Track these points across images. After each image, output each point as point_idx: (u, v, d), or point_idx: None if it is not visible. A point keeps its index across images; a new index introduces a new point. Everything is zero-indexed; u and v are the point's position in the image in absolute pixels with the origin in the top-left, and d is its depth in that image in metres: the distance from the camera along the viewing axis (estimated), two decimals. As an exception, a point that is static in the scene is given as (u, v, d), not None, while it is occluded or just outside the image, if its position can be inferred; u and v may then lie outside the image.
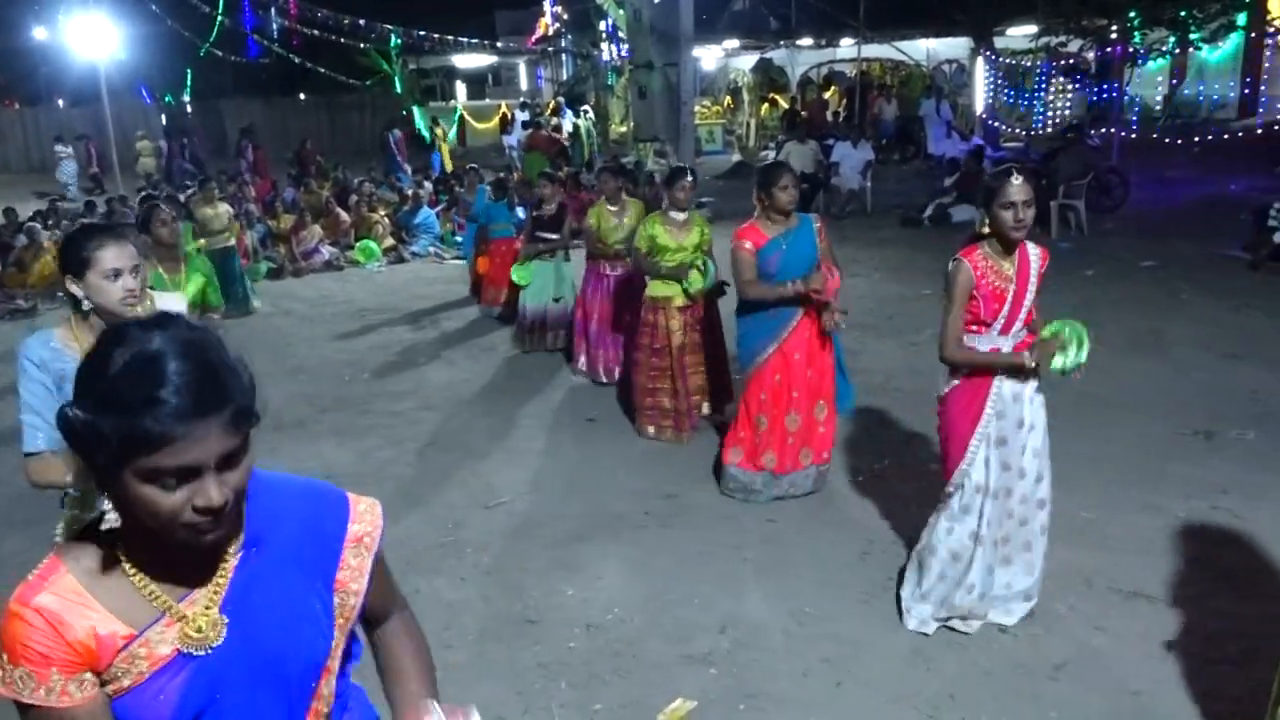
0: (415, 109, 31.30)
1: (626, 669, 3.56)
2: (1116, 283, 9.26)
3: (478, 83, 36.54)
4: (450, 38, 25.78)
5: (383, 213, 13.69)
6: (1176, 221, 12.22)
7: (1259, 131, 16.13)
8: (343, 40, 24.23)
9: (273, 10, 22.92)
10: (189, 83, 29.07)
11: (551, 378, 7.22)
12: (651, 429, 5.85)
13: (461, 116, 28.88)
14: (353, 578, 1.44)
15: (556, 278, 7.64)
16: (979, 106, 20.49)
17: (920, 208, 13.31)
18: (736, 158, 21.28)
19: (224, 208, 10.17)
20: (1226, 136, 16.39)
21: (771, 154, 16.22)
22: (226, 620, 1.32)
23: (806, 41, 24.21)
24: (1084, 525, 4.50)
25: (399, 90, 31.11)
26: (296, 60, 24.47)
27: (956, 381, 3.52)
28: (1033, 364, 3.39)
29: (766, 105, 23.82)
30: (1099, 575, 4.03)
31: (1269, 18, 16.96)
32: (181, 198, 12.27)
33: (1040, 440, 3.57)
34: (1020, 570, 3.67)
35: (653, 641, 3.73)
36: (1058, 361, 3.37)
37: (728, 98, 24.98)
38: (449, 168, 19.49)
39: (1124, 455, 5.27)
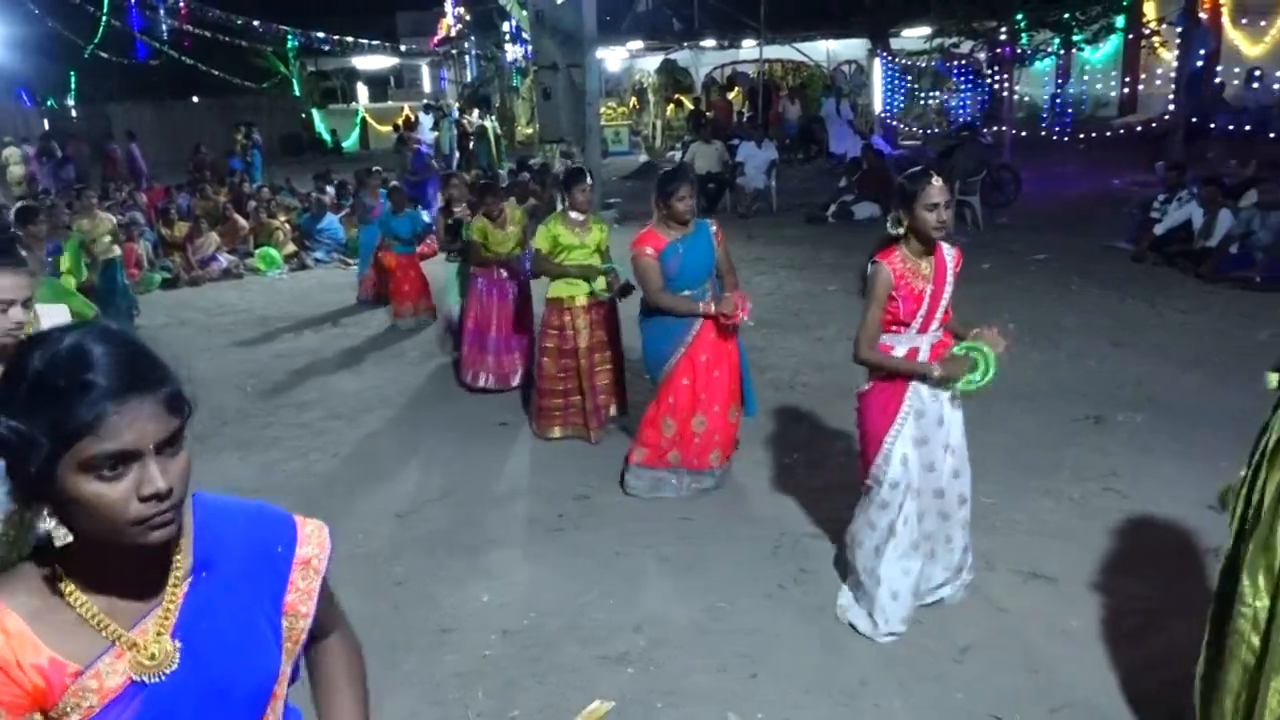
0: (315, 112, 30.66)
1: (543, 673, 3.54)
2: (1011, 275, 9.59)
3: (380, 85, 35.94)
4: (350, 39, 25.30)
5: (283, 219, 13.35)
6: (1065, 215, 12.72)
7: (1139, 129, 16.90)
8: (237, 42, 23.54)
9: (161, 11, 22.11)
10: (73, 86, 27.90)
11: (459, 378, 7.13)
12: (557, 430, 5.84)
13: (364, 119, 28.36)
14: (301, 600, 1.43)
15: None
16: (878, 106, 21.00)
17: (824, 205, 13.57)
18: (643, 158, 21.39)
19: (105, 218, 9.74)
20: (1109, 133, 17.14)
21: (678, 154, 16.34)
22: (179, 646, 1.28)
23: (710, 43, 24.46)
24: (986, 510, 4.63)
25: (298, 93, 30.42)
26: (188, 62, 23.68)
27: (876, 379, 3.58)
28: (938, 375, 3.45)
29: (672, 106, 24.00)
30: (1001, 559, 4.17)
31: (1145, 21, 17.79)
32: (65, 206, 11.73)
33: (958, 437, 3.63)
34: (940, 565, 3.74)
35: (569, 644, 3.72)
36: (963, 382, 3.43)
37: (633, 99, 25.09)
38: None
39: (1022, 442, 5.46)
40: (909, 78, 20.81)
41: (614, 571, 4.27)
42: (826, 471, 5.13)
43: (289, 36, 24.06)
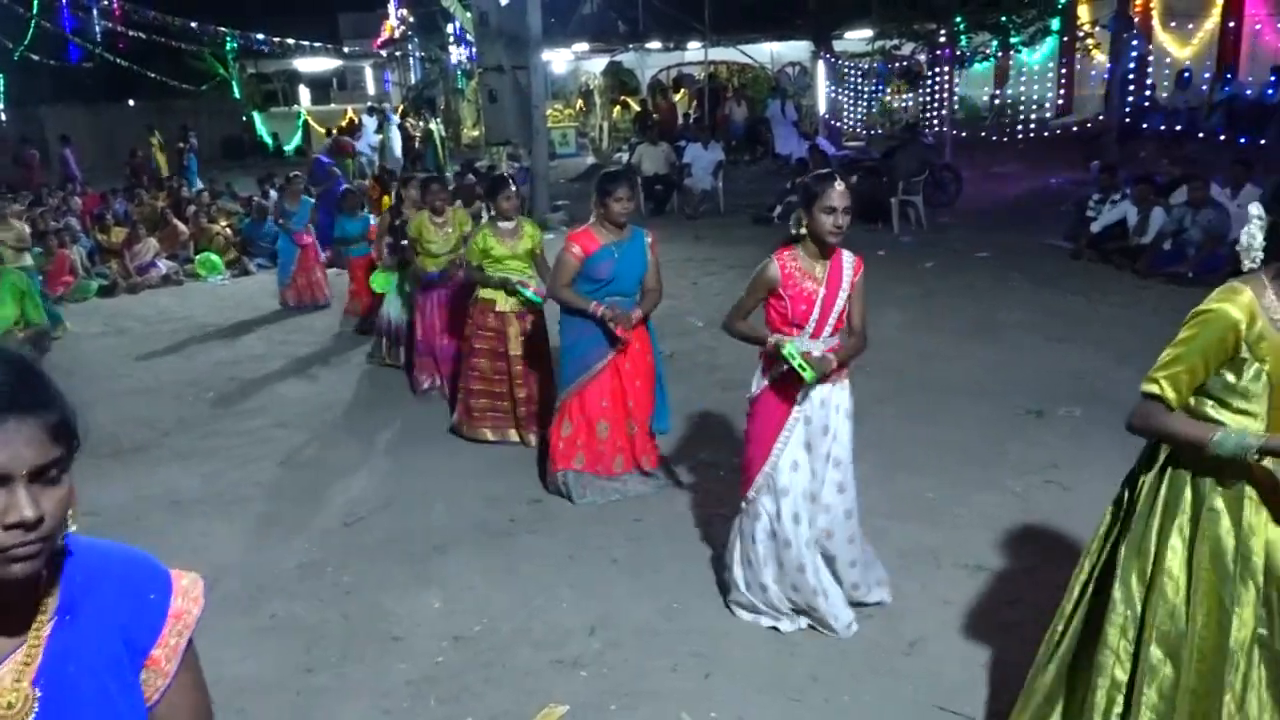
0: (256, 115, 30.14)
1: (497, 679, 3.53)
2: (954, 273, 9.76)
3: (322, 87, 35.37)
4: (291, 41, 24.90)
5: (224, 223, 13.11)
6: (1006, 214, 12.98)
7: (1074, 129, 17.30)
8: (174, 43, 23.05)
9: (94, 12, 21.56)
10: (2, 89, 27.09)
11: (409, 389, 7.06)
12: (488, 432, 5.82)
13: (306, 122, 27.94)
14: (167, 657, 1.32)
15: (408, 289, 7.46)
16: (822, 107, 21.23)
17: (770, 206, 13.67)
18: (591, 160, 21.38)
19: (18, 226, 9.47)
20: (1046, 134, 17.52)
21: (625, 156, 16.37)
22: (39, 694, 1.20)
23: (655, 45, 24.55)
24: (931, 505, 4.73)
25: (238, 95, 29.90)
26: (124, 64, 23.12)
27: (767, 383, 3.59)
28: (773, 343, 3.46)
29: (618, 108, 24.02)
30: (946, 552, 4.24)
31: (1079, 24, 18.21)
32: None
33: (844, 450, 3.63)
34: (847, 571, 3.73)
35: (522, 649, 3.71)
36: (795, 360, 3.37)
37: (579, 101, 25.07)
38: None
39: (965, 436, 5.55)
40: (852, 79, 21.06)
41: (566, 575, 4.26)
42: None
43: (228, 38, 23.59)
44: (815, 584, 3.60)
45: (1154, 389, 2.30)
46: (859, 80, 20.75)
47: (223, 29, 22.74)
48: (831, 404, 3.58)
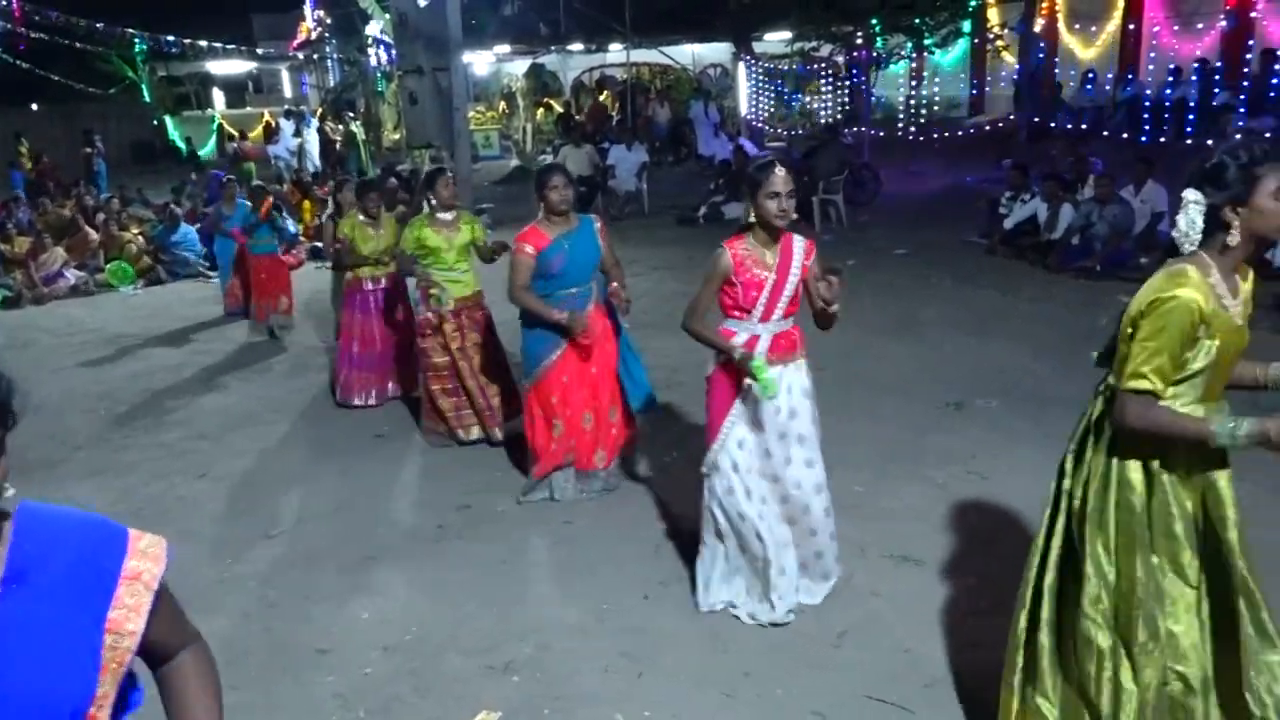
0: (168, 119, 29.31)
1: (427, 687, 3.49)
2: (875, 271, 9.95)
3: (237, 90, 34.51)
4: (203, 43, 24.23)
5: (135, 231, 12.70)
6: (923, 212, 13.28)
7: (986, 128, 17.78)
8: (80, 45, 22.23)
9: (-9, 12, 20.70)
10: (-108, 92, 25.87)
11: (335, 396, 6.94)
12: (461, 433, 5.77)
13: (220, 126, 27.24)
14: (127, 618, 1.34)
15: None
16: (743, 108, 21.45)
17: (695, 207, 13.78)
18: (515, 162, 21.26)
19: None
20: (960, 133, 17.98)
21: (549, 158, 16.31)
22: None
23: (577, 46, 24.51)
24: (858, 498, 4.80)
25: (148, 99, 29.04)
26: (25, 67, 22.24)
27: (721, 361, 3.66)
28: (739, 357, 3.49)
29: (541, 110, 23.92)
30: (873, 544, 4.32)
31: (989, 26, 18.74)
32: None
33: (806, 427, 3.70)
34: (810, 553, 3.82)
35: (453, 656, 3.67)
36: (760, 377, 3.43)
37: (502, 103, 24.90)
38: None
39: (889, 430, 5.67)
40: (772, 80, 21.32)
41: (497, 580, 4.23)
42: (705, 468, 5.21)
43: (136, 40, 22.85)
44: (771, 556, 3.65)
45: (1144, 384, 2.33)
46: (779, 81, 21.02)
47: (130, 30, 22.00)
48: (784, 383, 3.64)
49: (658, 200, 14.86)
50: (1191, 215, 2.33)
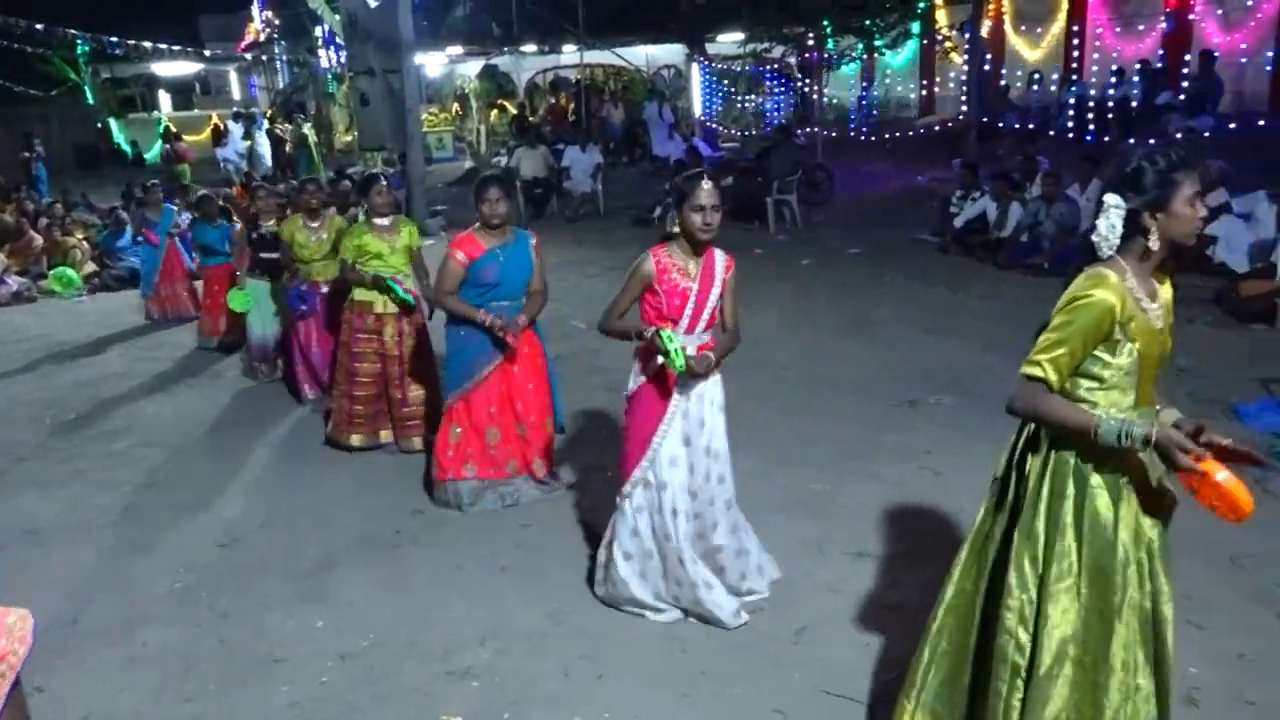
0: (112, 121, 28.74)
1: (385, 695, 3.45)
2: (829, 270, 10.04)
3: (184, 92, 33.93)
4: (148, 44, 23.76)
5: (80, 236, 12.42)
6: (876, 211, 13.42)
7: (937, 128, 18.01)
8: (19, 46, 21.69)
9: (-74, 13, 20.12)
10: None
11: (285, 403, 6.84)
12: (357, 438, 5.71)
13: (167, 129, 26.76)
14: None
15: (281, 299, 7.21)
16: (697, 109, 21.52)
17: (650, 208, 13.77)
18: (469, 164, 21.12)
19: None
20: (911, 133, 18.20)
21: (504, 159, 16.24)
22: None
23: (530, 48, 24.43)
24: (815, 497, 4.85)
25: (91, 101, 28.45)
26: (-39, 69, 21.69)
27: (644, 379, 3.64)
28: (649, 336, 3.49)
29: (495, 111, 23.81)
30: (830, 542, 4.36)
31: (937, 28, 18.99)
32: None
33: (720, 442, 3.71)
34: (733, 561, 3.81)
35: (411, 663, 3.63)
36: (669, 347, 3.43)
37: (455, 104, 24.75)
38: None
39: (844, 428, 5.72)
40: (726, 82, 21.44)
41: (454, 585, 4.20)
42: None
43: (79, 41, 22.35)
44: (696, 576, 3.65)
45: (1036, 371, 2.36)
46: (732, 82, 21.14)
47: (72, 31, 21.52)
48: (705, 398, 3.65)
49: (613, 201, 14.86)
50: (1111, 219, 2.34)
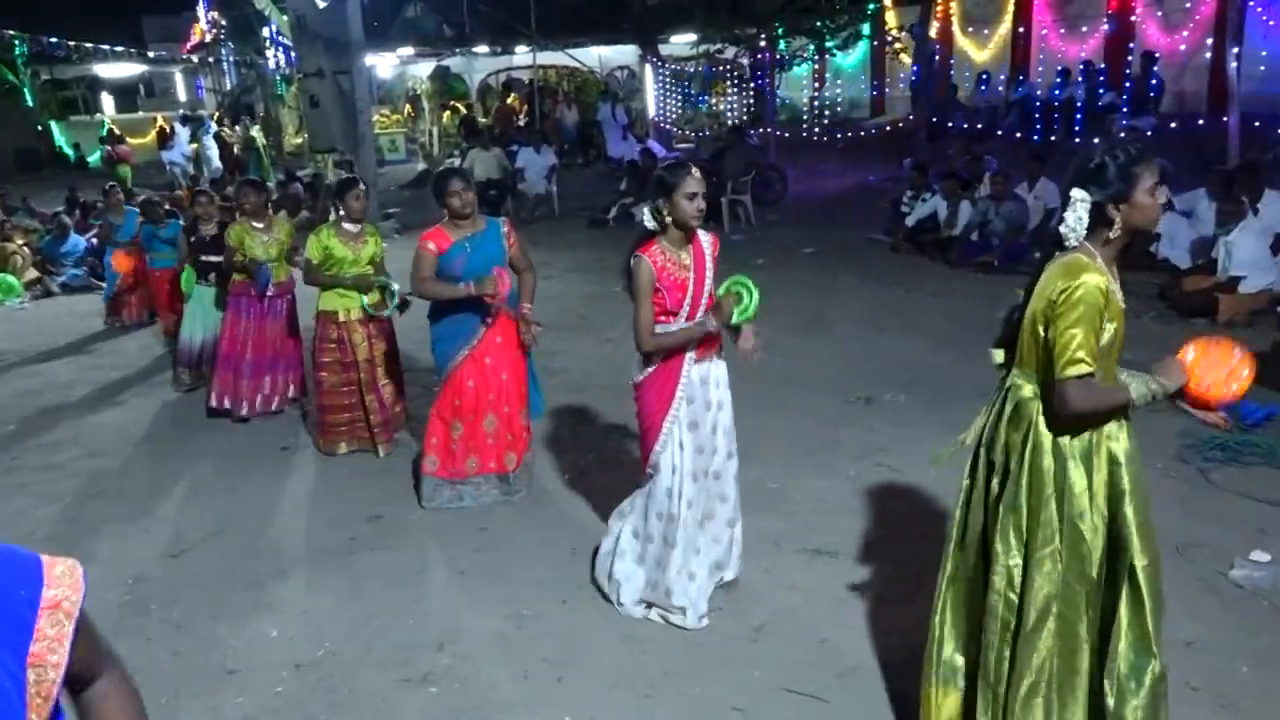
0: (53, 124, 28.10)
1: (342, 703, 3.41)
2: (784, 269, 10.10)
3: (128, 94, 33.28)
4: (89, 45, 23.27)
5: (20, 242, 12.11)
6: (829, 211, 13.55)
7: (887, 129, 18.23)
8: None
9: None
10: None
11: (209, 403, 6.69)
12: (343, 445, 5.68)
13: (110, 131, 26.21)
14: (50, 649, 1.27)
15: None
16: (651, 110, 21.56)
17: (605, 209, 13.79)
18: (421, 166, 20.97)
19: None
20: (863, 133, 18.40)
21: (457, 161, 16.13)
22: None
23: (482, 49, 24.29)
24: (772, 494, 4.87)
25: (31, 103, 27.80)
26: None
27: (650, 369, 3.66)
28: (715, 326, 3.56)
29: (448, 113, 23.65)
30: (787, 539, 4.38)
31: (887, 29, 19.22)
32: None
33: (728, 419, 3.78)
34: (725, 548, 3.87)
35: (368, 670, 3.59)
36: (737, 314, 3.56)
37: (408, 106, 24.54)
38: None
39: (801, 426, 5.76)
40: (684, 82, 21.49)
41: (411, 590, 4.16)
42: (620, 469, 5.20)
43: (16, 41, 21.82)
44: (683, 562, 3.66)
45: (1084, 368, 2.42)
46: (686, 83, 21.20)
47: (10, 32, 21.01)
48: (712, 379, 3.69)
49: (568, 203, 14.84)
50: (1079, 212, 2.47)
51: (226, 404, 6.38)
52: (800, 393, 6.34)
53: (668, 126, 21.01)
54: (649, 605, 3.81)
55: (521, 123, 21.71)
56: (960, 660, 2.83)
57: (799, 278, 9.72)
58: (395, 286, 5.48)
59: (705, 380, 3.69)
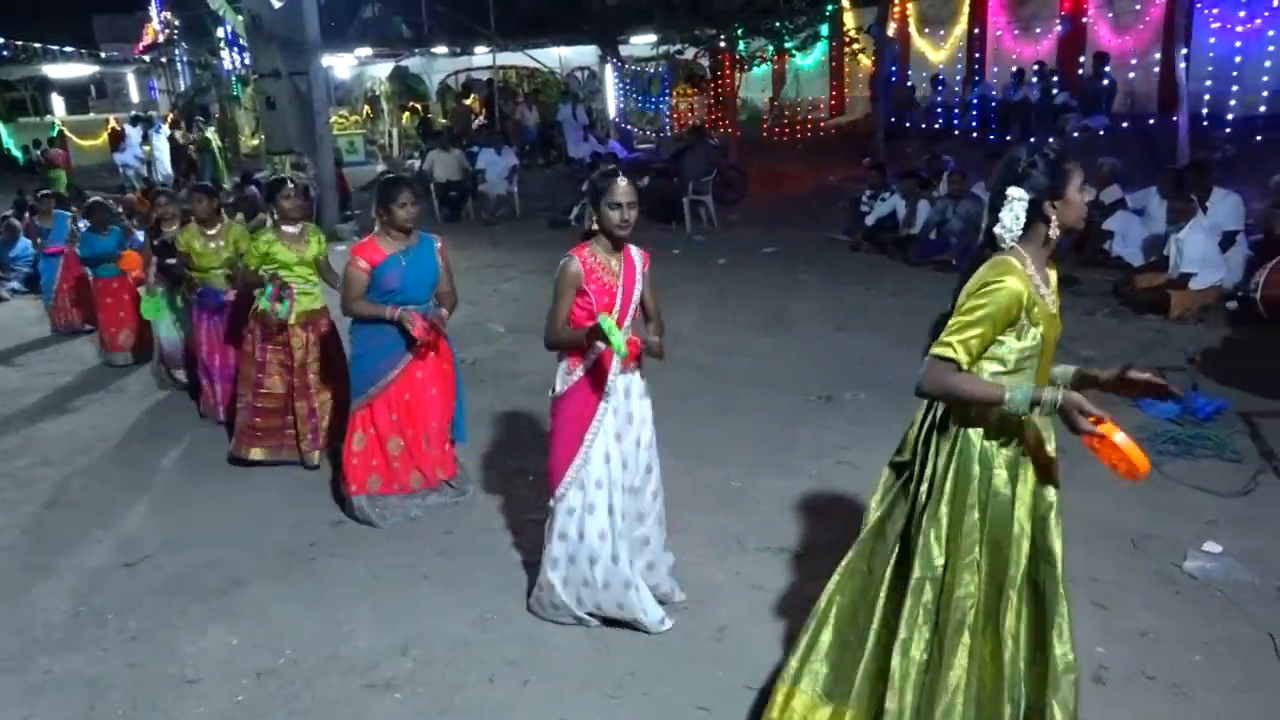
0: (1, 126, 27.50)
1: (304, 711, 3.37)
2: (745, 269, 10.15)
3: (79, 95, 32.65)
4: (37, 45, 22.83)
5: (-32, 246, 11.84)
6: (790, 210, 13.62)
7: (847, 129, 18.39)
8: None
9: None
10: None
11: (191, 416, 6.61)
12: (259, 451, 5.53)
13: (61, 133, 25.67)
14: None
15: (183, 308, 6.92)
16: (612, 111, 21.55)
17: (566, 209, 13.76)
18: (381, 168, 20.77)
19: None
20: (822, 134, 18.53)
21: (417, 163, 16.03)
22: None
23: (441, 49, 24.13)
24: (734, 494, 4.89)
25: (-23, 105, 27.22)
26: None
27: (574, 379, 3.60)
28: (601, 325, 3.39)
29: (407, 114, 23.47)
30: (750, 537, 4.40)
31: (846, 30, 19.37)
32: None
33: (649, 433, 3.72)
34: (660, 556, 3.86)
35: (331, 677, 3.56)
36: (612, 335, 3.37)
37: (366, 107, 24.32)
38: None
39: (762, 425, 5.79)
40: (640, 83, 21.51)
41: (374, 596, 4.12)
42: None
43: (-39, 42, 21.39)
44: (627, 575, 3.62)
45: (948, 352, 2.46)
46: (647, 84, 21.22)
47: (-46, 32, 20.58)
48: (634, 392, 3.65)
49: (529, 203, 14.79)
50: (1016, 211, 2.50)
51: (223, 415, 6.29)
52: (761, 392, 6.37)
53: (628, 127, 21.01)
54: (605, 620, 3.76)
55: (478, 123, 21.57)
56: (834, 677, 2.76)
57: (760, 277, 9.78)
58: (285, 307, 5.23)
59: (629, 392, 3.65)
